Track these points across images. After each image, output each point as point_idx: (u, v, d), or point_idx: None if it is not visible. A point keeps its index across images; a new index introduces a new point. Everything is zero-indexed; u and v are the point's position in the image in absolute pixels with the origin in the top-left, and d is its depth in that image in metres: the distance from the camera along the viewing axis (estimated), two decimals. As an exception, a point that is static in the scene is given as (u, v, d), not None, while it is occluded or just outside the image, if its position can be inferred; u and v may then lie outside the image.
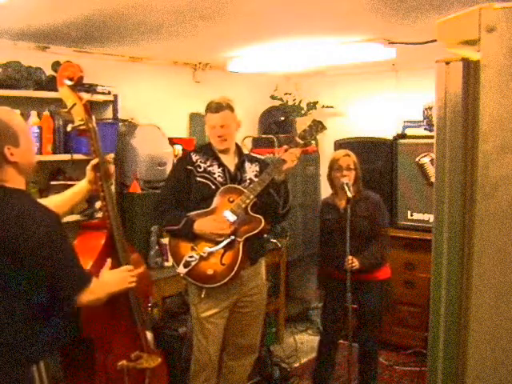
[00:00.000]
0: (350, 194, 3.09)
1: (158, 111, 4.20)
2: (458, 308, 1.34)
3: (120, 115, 3.77)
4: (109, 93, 3.67)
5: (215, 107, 2.85)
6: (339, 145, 4.52)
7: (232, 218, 2.74)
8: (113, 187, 3.65)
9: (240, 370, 3.11)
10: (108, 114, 3.75)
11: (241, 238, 2.75)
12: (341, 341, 3.67)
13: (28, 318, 1.83)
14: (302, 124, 4.53)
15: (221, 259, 2.74)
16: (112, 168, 2.29)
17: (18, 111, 2.84)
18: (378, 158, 4.45)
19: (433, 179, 1.45)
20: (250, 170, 2.95)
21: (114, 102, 3.72)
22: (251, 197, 2.75)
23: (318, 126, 2.92)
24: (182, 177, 2.87)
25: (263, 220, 2.79)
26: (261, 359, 3.66)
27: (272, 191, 2.82)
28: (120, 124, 3.80)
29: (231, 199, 2.79)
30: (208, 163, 2.88)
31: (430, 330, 1.42)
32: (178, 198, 2.85)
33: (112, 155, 3.58)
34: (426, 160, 4.13)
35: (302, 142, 2.86)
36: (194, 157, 2.90)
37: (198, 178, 2.84)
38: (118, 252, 2.23)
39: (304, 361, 4.08)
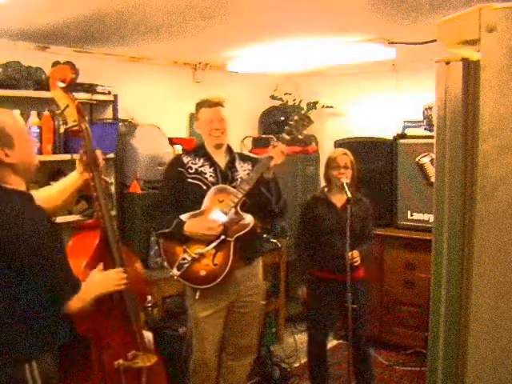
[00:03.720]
0: (349, 194, 3.08)
1: (157, 111, 4.20)
2: (458, 308, 1.34)
3: (120, 115, 3.77)
4: (109, 93, 3.67)
5: (212, 102, 2.89)
6: (339, 145, 4.51)
7: (222, 217, 2.73)
8: (113, 187, 3.68)
9: (239, 370, 3.11)
10: (108, 114, 3.75)
11: (231, 238, 2.73)
12: (340, 341, 3.67)
13: (27, 317, 1.83)
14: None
15: (213, 260, 2.73)
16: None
17: (17, 111, 2.86)
18: (378, 158, 4.45)
19: (433, 179, 1.45)
20: (242, 169, 2.94)
21: (114, 102, 3.72)
22: (239, 195, 2.74)
23: (304, 120, 2.90)
24: (175, 179, 2.87)
25: (252, 218, 2.78)
26: (261, 359, 3.66)
27: (263, 189, 2.82)
28: (120, 124, 3.80)
29: (221, 199, 2.78)
30: (199, 163, 2.88)
31: (430, 329, 1.42)
32: (175, 200, 2.85)
33: (111, 155, 3.59)
34: (426, 160, 4.14)
35: (288, 137, 2.85)
36: (185, 159, 2.90)
37: (190, 180, 2.84)
38: (113, 252, 2.23)
39: (304, 361, 4.06)
